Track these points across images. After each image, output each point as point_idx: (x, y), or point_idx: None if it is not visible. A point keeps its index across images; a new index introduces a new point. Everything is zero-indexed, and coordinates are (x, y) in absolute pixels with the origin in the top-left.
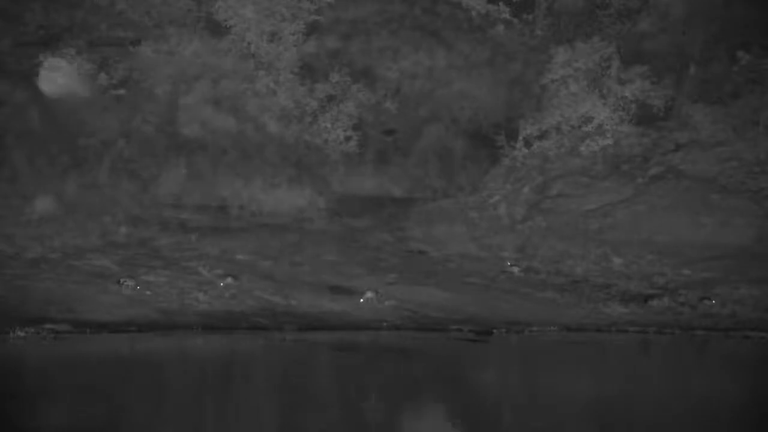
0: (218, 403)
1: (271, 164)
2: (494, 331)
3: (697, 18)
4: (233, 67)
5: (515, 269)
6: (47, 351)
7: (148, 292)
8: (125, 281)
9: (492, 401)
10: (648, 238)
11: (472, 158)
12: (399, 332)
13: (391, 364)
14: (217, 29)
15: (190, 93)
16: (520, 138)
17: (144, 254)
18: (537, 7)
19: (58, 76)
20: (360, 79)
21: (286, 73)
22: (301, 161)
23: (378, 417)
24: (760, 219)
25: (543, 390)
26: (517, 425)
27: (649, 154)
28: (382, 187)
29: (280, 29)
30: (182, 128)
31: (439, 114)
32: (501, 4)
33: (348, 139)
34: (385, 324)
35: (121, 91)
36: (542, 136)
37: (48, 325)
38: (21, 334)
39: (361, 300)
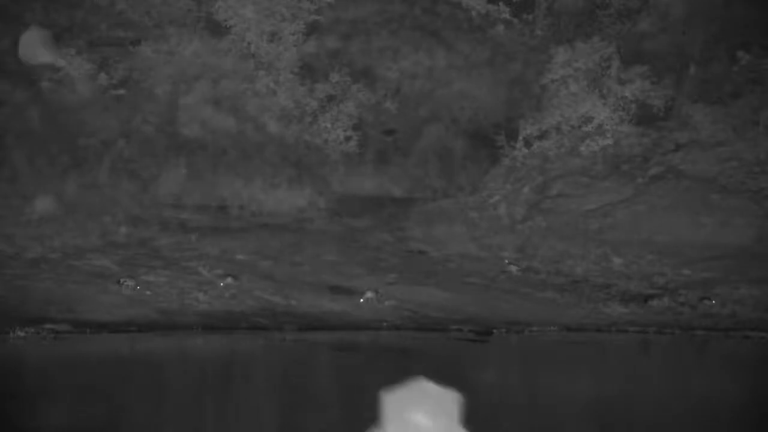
0: (218, 403)
1: (271, 164)
2: (494, 331)
3: (697, 18)
4: (233, 67)
5: (513, 268)
6: (47, 351)
7: (148, 292)
8: (125, 281)
9: (492, 401)
10: (648, 238)
11: (472, 158)
12: (399, 332)
13: (391, 364)
14: (217, 29)
15: (190, 93)
16: (520, 138)
17: (144, 254)
18: (537, 7)
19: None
20: (360, 79)
21: (286, 73)
22: (301, 161)
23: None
24: (760, 219)
25: (543, 390)
26: (517, 425)
27: (649, 154)
28: (382, 187)
29: (280, 29)
30: (182, 128)
31: (439, 114)
32: (501, 4)
33: (348, 139)
34: (385, 324)
35: (121, 91)
36: (542, 136)
37: (48, 325)
38: (21, 334)
39: (361, 300)
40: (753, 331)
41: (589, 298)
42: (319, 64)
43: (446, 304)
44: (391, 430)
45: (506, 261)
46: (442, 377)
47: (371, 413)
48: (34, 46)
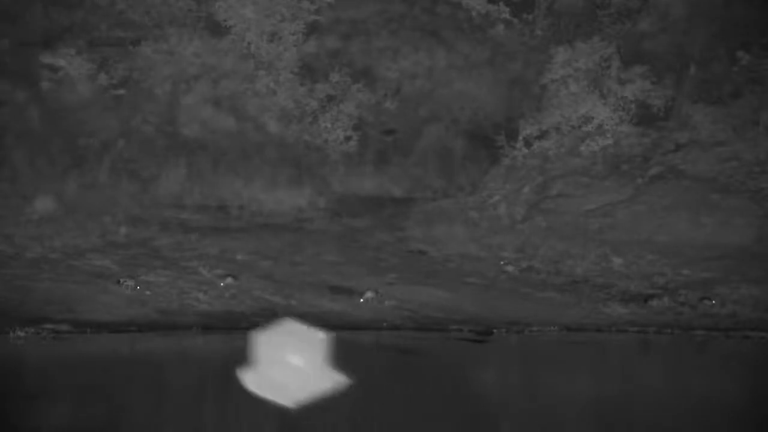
0: (218, 403)
1: (271, 164)
2: (494, 331)
3: (697, 18)
4: (233, 67)
5: (510, 268)
6: (47, 351)
7: (148, 292)
8: (125, 281)
9: (492, 401)
10: (648, 238)
11: (472, 158)
12: (399, 332)
13: (391, 364)
14: (217, 29)
15: (190, 93)
16: (520, 138)
17: (144, 254)
18: (537, 7)
19: None
20: (360, 79)
21: (286, 73)
22: (301, 161)
23: (377, 417)
24: (760, 219)
25: (543, 390)
26: (517, 425)
27: (649, 154)
28: (382, 187)
29: (280, 29)
30: (182, 128)
31: (439, 114)
32: (501, 4)
33: (348, 139)
34: (385, 324)
35: (121, 91)
36: (542, 136)
37: (48, 325)
38: (21, 334)
39: (361, 300)
40: (753, 331)
41: (589, 298)
42: (319, 64)
43: (446, 304)
44: (261, 370)
45: (502, 262)
46: (442, 377)
47: (371, 413)
48: None
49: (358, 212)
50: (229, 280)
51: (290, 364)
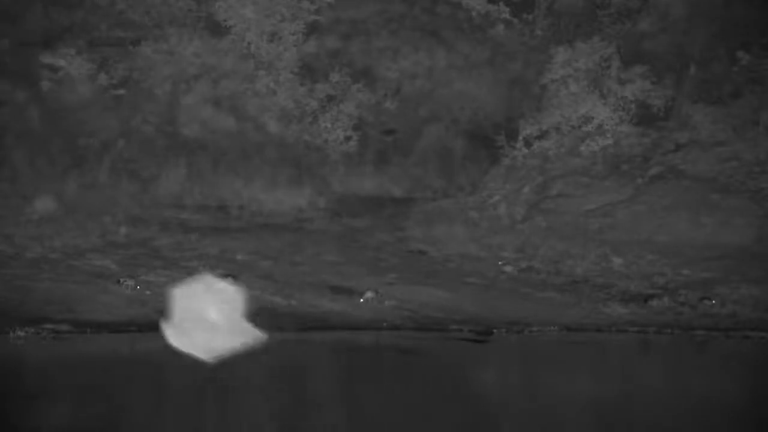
0: (218, 403)
1: (271, 164)
2: (494, 331)
3: (697, 18)
4: (233, 67)
5: (509, 268)
6: (47, 351)
7: (148, 292)
8: (125, 281)
9: (492, 401)
10: (648, 238)
11: (472, 158)
12: (399, 332)
13: (391, 364)
14: (217, 29)
15: (190, 93)
16: (520, 138)
17: (144, 254)
18: (537, 7)
19: None
20: (360, 79)
21: (286, 73)
22: (301, 161)
23: (377, 417)
24: (760, 219)
25: (543, 390)
26: (517, 425)
27: (649, 154)
28: (382, 187)
29: (280, 29)
30: (182, 128)
31: (439, 114)
32: (501, 4)
33: (348, 139)
34: (385, 324)
35: (121, 91)
36: (542, 136)
37: (48, 325)
38: (21, 334)
39: (361, 300)
40: (753, 331)
41: (589, 298)
42: (319, 64)
43: (446, 304)
44: (179, 324)
45: (501, 262)
46: (442, 377)
47: (371, 413)
48: None
49: (358, 212)
50: (229, 280)
51: (208, 319)
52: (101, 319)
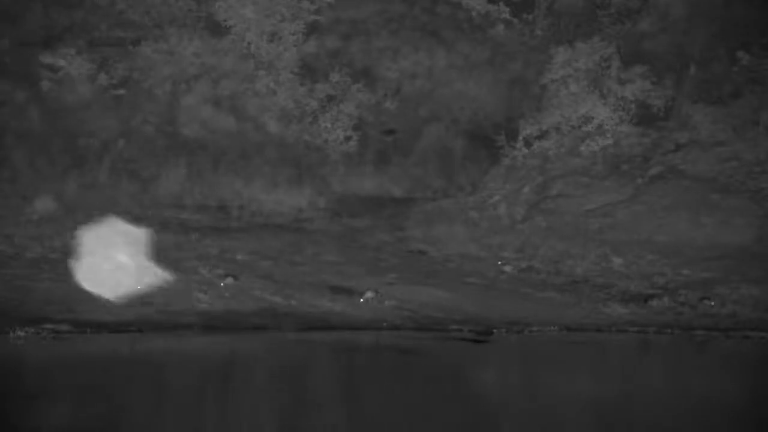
0: (218, 403)
1: (271, 164)
2: (494, 331)
3: (697, 18)
4: (233, 67)
5: (508, 268)
6: (47, 351)
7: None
8: None
9: (492, 401)
10: (648, 238)
11: (472, 158)
12: (399, 332)
13: (391, 364)
14: (217, 29)
15: (190, 93)
16: (520, 138)
17: None
18: (537, 7)
19: None
20: (360, 79)
21: (286, 73)
22: (301, 161)
23: (378, 417)
24: (760, 219)
25: (543, 390)
26: (517, 425)
27: (649, 154)
28: (382, 187)
29: (280, 29)
30: (182, 128)
31: (439, 114)
32: (501, 4)
33: (348, 139)
34: (385, 324)
35: (121, 91)
36: (542, 136)
37: (48, 325)
38: (21, 334)
39: (361, 300)
40: (753, 331)
41: (589, 298)
42: (319, 64)
43: (446, 304)
44: (87, 265)
45: (500, 262)
46: (442, 377)
47: (371, 413)
48: None
49: (358, 212)
50: (229, 280)
51: (115, 260)
52: (101, 319)
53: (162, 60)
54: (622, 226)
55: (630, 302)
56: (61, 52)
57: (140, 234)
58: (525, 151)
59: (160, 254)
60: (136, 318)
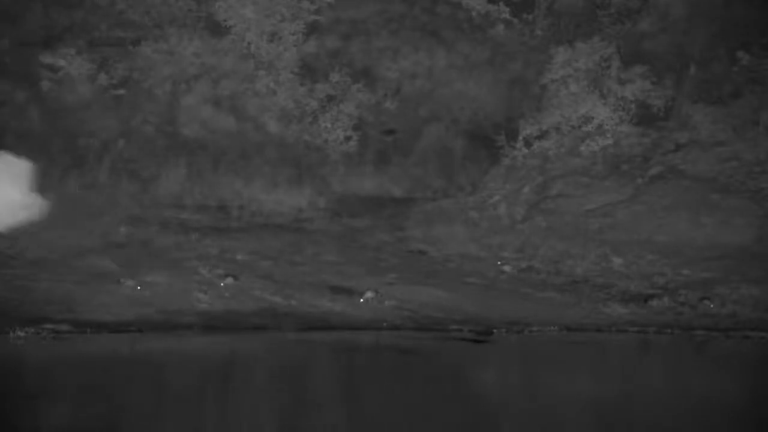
0: (218, 403)
1: (271, 164)
2: (494, 331)
3: (697, 18)
4: (233, 67)
5: (508, 268)
6: (47, 351)
7: (148, 292)
8: (125, 281)
9: (492, 401)
10: (648, 238)
11: (472, 158)
12: (399, 332)
13: (391, 364)
14: (217, 29)
15: (190, 93)
16: (520, 138)
17: (144, 254)
18: (537, 7)
19: None
20: (360, 79)
21: (286, 73)
22: (301, 161)
23: (378, 417)
24: (760, 219)
25: (543, 390)
26: (517, 425)
27: (649, 154)
28: (382, 187)
29: (280, 29)
30: (182, 128)
31: (439, 114)
32: (501, 4)
33: (348, 139)
34: (385, 324)
35: (121, 91)
36: (542, 136)
37: (48, 325)
38: (21, 334)
39: (361, 300)
40: (753, 331)
41: (589, 298)
42: (319, 64)
43: (446, 304)
44: None
45: (500, 262)
46: (442, 377)
47: (371, 413)
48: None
49: (358, 212)
50: (229, 280)
51: None
52: (101, 319)
53: (162, 60)
54: (622, 226)
55: (630, 302)
56: (61, 52)
57: (21, 164)
58: (525, 151)
59: (160, 254)
60: (136, 318)
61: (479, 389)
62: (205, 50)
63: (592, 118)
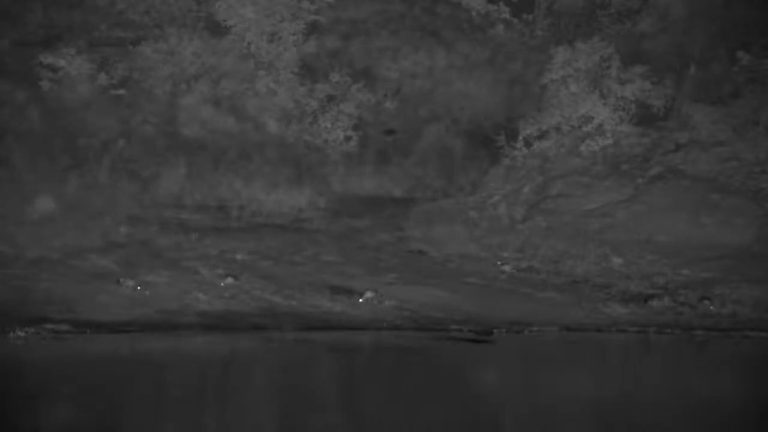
0: (218, 402)
1: (271, 164)
2: (494, 331)
3: (697, 18)
4: (233, 67)
5: (507, 268)
6: (47, 351)
7: (148, 292)
8: (125, 281)
9: (492, 401)
10: (648, 238)
11: (472, 158)
12: (399, 332)
13: (391, 364)
14: (217, 29)
15: (190, 93)
16: (520, 138)
17: (144, 254)
18: (537, 7)
19: None
20: (360, 79)
21: (286, 73)
22: (301, 161)
23: (378, 417)
24: (760, 219)
25: (543, 390)
26: (517, 424)
27: (649, 154)
28: (382, 187)
29: (280, 29)
30: (182, 128)
31: (439, 114)
32: (501, 4)
33: (348, 139)
34: (385, 324)
35: (121, 91)
36: (542, 136)
37: (48, 325)
38: (21, 334)
39: (361, 300)
40: (753, 331)
41: (589, 298)
42: (319, 64)
43: (446, 304)
44: None
45: (499, 262)
46: (442, 377)
47: (371, 413)
48: None
49: (358, 212)
50: (229, 280)
51: None
52: (101, 319)
53: (162, 60)
54: (622, 226)
55: (630, 302)
56: (61, 52)
57: None
58: (525, 151)
59: (160, 254)
60: (136, 318)
61: (479, 389)
62: (205, 50)
63: (592, 118)
